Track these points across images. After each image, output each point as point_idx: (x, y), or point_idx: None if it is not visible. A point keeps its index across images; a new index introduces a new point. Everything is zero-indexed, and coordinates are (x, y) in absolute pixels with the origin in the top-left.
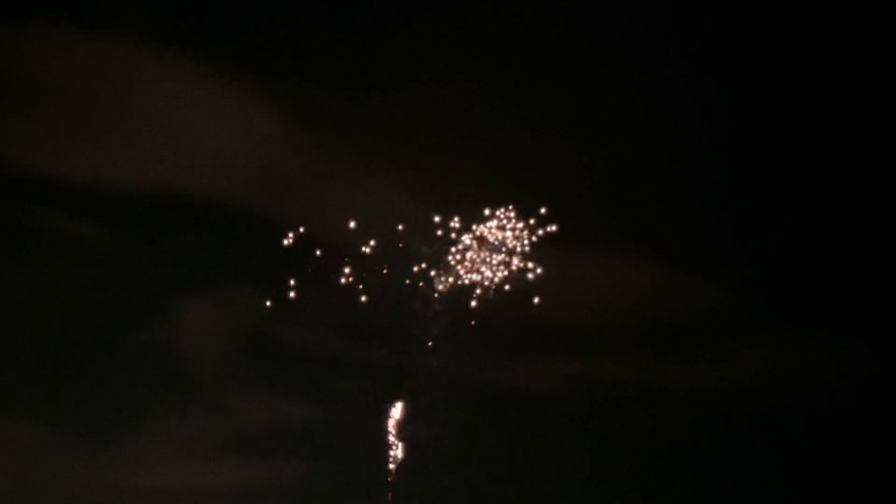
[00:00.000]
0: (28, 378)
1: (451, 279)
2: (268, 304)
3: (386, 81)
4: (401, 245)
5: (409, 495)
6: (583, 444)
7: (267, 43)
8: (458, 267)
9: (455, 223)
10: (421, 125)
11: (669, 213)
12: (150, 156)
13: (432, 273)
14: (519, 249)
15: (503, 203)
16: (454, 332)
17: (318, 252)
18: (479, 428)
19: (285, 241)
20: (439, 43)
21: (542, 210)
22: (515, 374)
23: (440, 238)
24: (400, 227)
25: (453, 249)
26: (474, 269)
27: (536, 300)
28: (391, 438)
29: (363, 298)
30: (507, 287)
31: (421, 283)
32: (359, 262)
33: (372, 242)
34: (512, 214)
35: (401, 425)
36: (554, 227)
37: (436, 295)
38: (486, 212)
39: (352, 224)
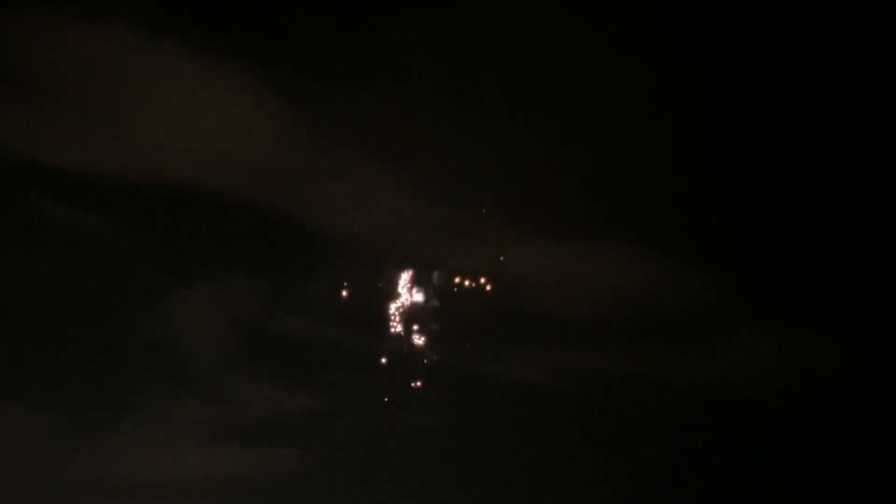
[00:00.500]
0: (20, 366)
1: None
2: None
3: (386, 73)
4: (398, 237)
5: (402, 486)
6: (576, 436)
7: (265, 33)
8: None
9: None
10: (420, 117)
11: (666, 205)
12: (145, 144)
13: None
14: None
15: (500, 195)
16: (449, 323)
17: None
18: (473, 419)
19: None
20: (441, 35)
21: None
22: (509, 366)
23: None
24: (397, 219)
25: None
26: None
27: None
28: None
29: (360, 289)
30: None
31: (417, 276)
32: (357, 252)
33: (369, 233)
34: None
35: (395, 415)
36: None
37: (431, 287)
38: None
39: (349, 215)
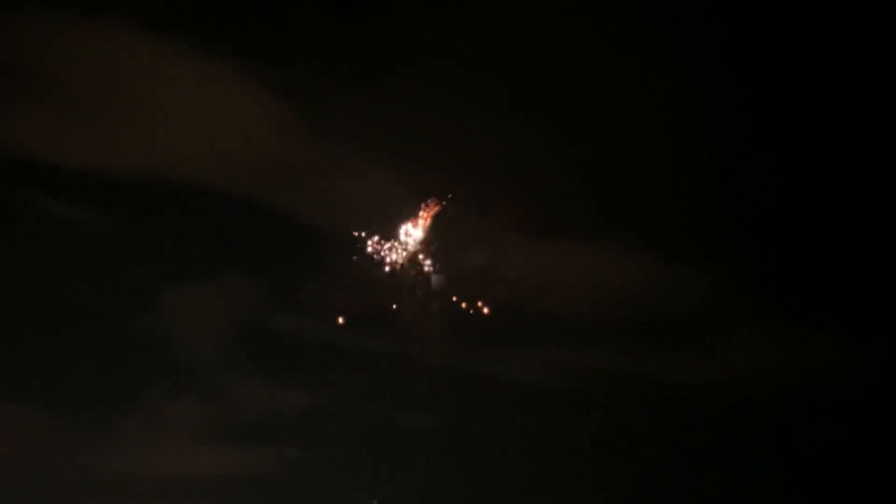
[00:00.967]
0: (19, 363)
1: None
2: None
3: (386, 72)
4: (395, 234)
5: (401, 484)
6: (574, 434)
7: (264, 30)
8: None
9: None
10: (420, 117)
11: (663, 205)
12: (144, 141)
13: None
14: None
15: (499, 195)
16: (447, 322)
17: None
18: (472, 417)
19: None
20: (441, 35)
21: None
22: (507, 365)
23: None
24: (394, 216)
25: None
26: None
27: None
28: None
29: (358, 287)
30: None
31: (415, 273)
32: (354, 250)
33: (367, 231)
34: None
35: (394, 414)
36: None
37: (430, 286)
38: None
39: (348, 213)
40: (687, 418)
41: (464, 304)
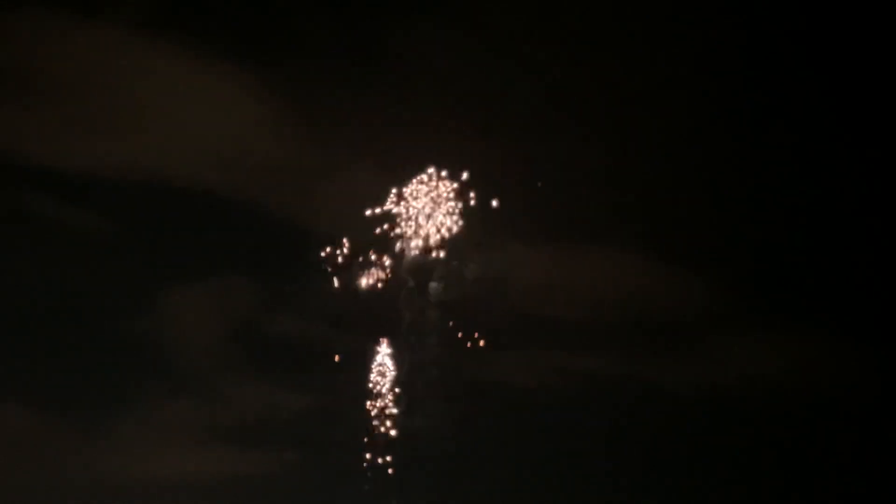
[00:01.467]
0: (16, 365)
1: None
2: None
3: (384, 75)
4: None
5: (398, 488)
6: (572, 438)
7: (262, 32)
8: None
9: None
10: (418, 119)
11: (661, 209)
12: (140, 144)
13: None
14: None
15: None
16: (445, 325)
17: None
18: (468, 421)
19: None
20: (440, 37)
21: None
22: (504, 368)
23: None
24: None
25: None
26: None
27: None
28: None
29: (354, 289)
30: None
31: (411, 277)
32: (350, 253)
33: (364, 235)
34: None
35: (389, 417)
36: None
37: (427, 290)
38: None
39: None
40: (684, 422)
41: (460, 335)
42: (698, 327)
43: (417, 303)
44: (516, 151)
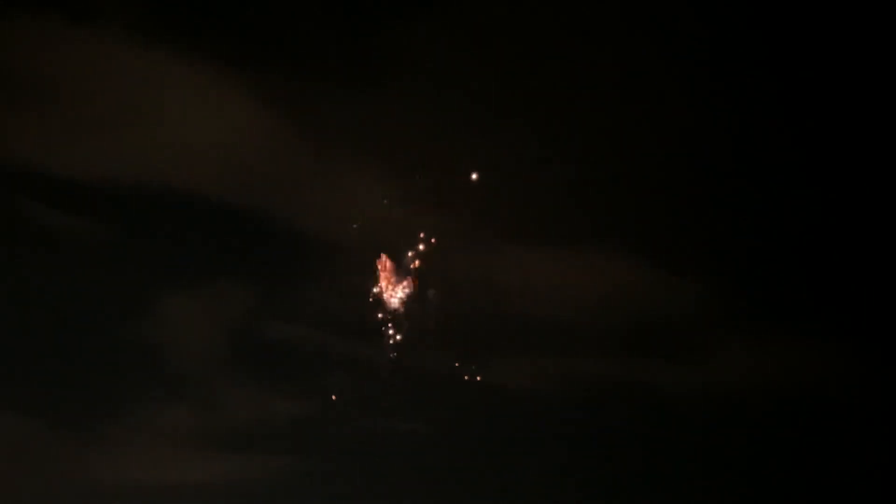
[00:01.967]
0: (10, 371)
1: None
2: None
3: (379, 79)
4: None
5: (391, 492)
6: (565, 442)
7: (257, 37)
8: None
9: None
10: (412, 123)
11: (653, 211)
12: (136, 149)
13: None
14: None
15: (490, 201)
16: (439, 329)
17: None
18: (462, 425)
19: None
20: (433, 40)
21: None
22: (498, 372)
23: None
24: (387, 225)
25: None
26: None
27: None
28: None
29: (350, 295)
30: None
31: (407, 282)
32: (347, 258)
33: (359, 239)
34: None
35: (385, 421)
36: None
37: (420, 293)
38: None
39: (340, 220)
40: (680, 425)
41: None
42: (695, 329)
43: (412, 307)
44: (509, 155)
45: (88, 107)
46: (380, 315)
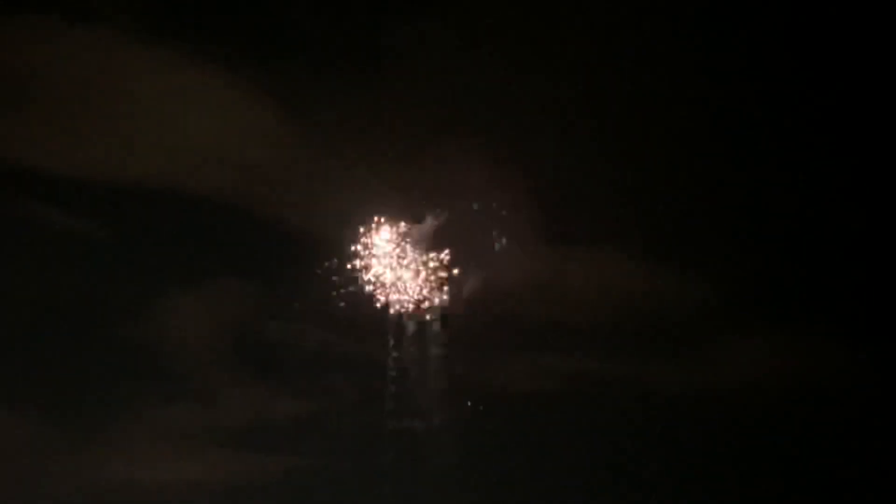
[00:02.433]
0: (11, 370)
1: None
2: None
3: (381, 77)
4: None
5: (392, 490)
6: (570, 441)
7: (259, 36)
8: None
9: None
10: (415, 121)
11: (659, 211)
12: (136, 148)
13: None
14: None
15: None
16: (441, 328)
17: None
18: (464, 423)
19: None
20: (436, 38)
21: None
22: (501, 371)
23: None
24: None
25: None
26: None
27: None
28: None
29: (351, 294)
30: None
31: (409, 280)
32: (347, 257)
33: (360, 238)
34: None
35: (386, 420)
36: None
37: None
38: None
39: (340, 219)
40: (683, 424)
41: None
42: (697, 329)
43: (416, 308)
44: (513, 154)
45: (91, 106)
46: (383, 315)
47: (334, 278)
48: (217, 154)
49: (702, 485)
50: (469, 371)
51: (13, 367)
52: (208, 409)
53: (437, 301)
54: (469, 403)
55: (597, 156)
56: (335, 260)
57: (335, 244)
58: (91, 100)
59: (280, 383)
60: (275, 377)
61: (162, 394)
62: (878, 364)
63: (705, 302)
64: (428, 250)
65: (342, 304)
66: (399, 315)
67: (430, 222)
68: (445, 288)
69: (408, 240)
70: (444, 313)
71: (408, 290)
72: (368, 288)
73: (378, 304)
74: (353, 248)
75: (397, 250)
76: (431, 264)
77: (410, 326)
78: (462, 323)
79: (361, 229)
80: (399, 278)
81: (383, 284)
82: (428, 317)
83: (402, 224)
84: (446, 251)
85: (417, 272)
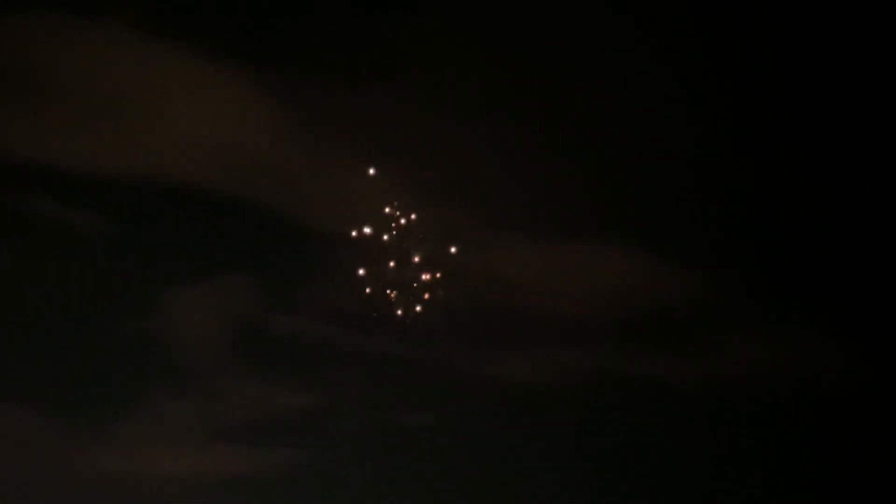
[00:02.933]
0: (16, 364)
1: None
2: None
3: (381, 72)
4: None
5: (397, 485)
6: (569, 435)
7: (262, 31)
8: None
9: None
10: (415, 116)
11: (658, 203)
12: (141, 143)
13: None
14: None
15: (492, 193)
16: (442, 322)
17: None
18: (467, 418)
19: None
20: (434, 34)
21: None
22: (502, 365)
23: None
24: (392, 218)
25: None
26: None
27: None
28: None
29: (355, 287)
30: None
31: (410, 274)
32: (352, 251)
33: (364, 231)
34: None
35: (390, 414)
36: None
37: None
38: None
39: (345, 213)
40: (681, 418)
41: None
42: (698, 322)
43: (416, 300)
44: (511, 147)
45: (95, 102)
46: (386, 308)
47: (338, 273)
48: (222, 149)
49: (703, 479)
50: (472, 365)
51: (20, 362)
52: (213, 403)
53: (439, 295)
54: (469, 396)
55: (599, 147)
56: (339, 255)
57: (339, 239)
58: (97, 95)
59: (286, 378)
60: (280, 371)
61: (167, 388)
62: (881, 359)
63: (707, 295)
64: (431, 245)
65: (345, 299)
66: (402, 309)
67: (432, 217)
68: (448, 283)
69: (410, 234)
70: (448, 308)
71: (410, 284)
72: (372, 283)
73: (381, 299)
74: (356, 243)
75: (400, 245)
76: (434, 259)
77: (413, 321)
78: (465, 317)
79: (365, 224)
80: (401, 273)
81: (387, 279)
82: (431, 311)
83: (405, 219)
84: (449, 246)
85: (420, 267)
